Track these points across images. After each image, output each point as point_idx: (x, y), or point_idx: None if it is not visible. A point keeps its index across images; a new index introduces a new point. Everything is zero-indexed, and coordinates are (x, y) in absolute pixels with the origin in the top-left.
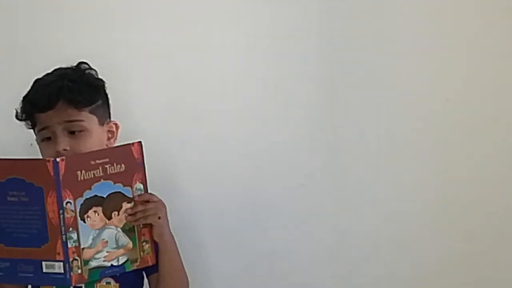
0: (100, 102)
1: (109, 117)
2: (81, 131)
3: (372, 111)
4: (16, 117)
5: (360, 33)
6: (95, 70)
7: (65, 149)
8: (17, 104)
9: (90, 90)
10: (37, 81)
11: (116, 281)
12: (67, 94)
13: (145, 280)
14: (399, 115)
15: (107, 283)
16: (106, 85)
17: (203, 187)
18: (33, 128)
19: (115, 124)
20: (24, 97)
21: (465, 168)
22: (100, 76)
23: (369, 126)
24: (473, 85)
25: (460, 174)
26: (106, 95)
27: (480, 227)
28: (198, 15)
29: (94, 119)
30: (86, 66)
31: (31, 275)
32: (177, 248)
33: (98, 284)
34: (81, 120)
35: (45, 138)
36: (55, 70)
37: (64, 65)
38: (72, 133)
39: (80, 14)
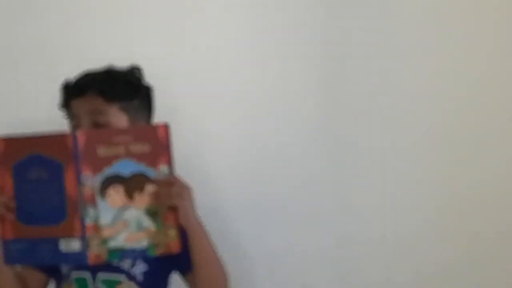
0: (136, 102)
1: (148, 122)
2: (106, 124)
3: (373, 111)
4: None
5: (361, 34)
6: (143, 75)
7: None
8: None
9: (125, 87)
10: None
11: (138, 286)
12: (98, 84)
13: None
14: (399, 115)
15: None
16: (152, 91)
17: (203, 186)
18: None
19: None
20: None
21: (466, 169)
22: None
23: (370, 127)
24: (473, 85)
25: (461, 175)
26: (148, 100)
27: (481, 227)
28: (201, 15)
29: (123, 117)
30: (137, 69)
31: (50, 254)
32: (207, 234)
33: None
34: (107, 113)
35: (73, 128)
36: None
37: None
38: (97, 125)
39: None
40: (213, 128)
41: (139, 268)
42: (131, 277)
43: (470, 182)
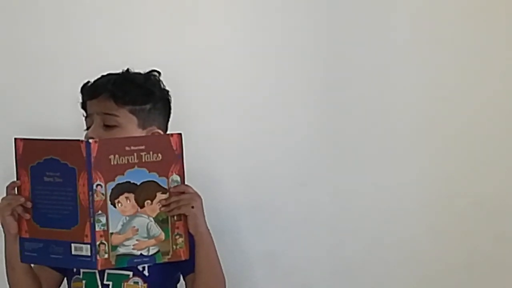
0: (148, 106)
1: (162, 127)
2: (114, 126)
3: (372, 111)
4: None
5: (360, 34)
6: (160, 80)
7: (92, 139)
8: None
9: (138, 91)
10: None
11: (145, 282)
12: (110, 87)
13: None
14: (399, 115)
15: (134, 283)
16: (169, 97)
17: (203, 186)
18: None
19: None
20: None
21: (465, 168)
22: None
23: (369, 126)
24: (473, 85)
25: (460, 174)
26: (164, 104)
27: (480, 227)
28: (200, 15)
29: (133, 119)
30: (155, 73)
31: (61, 256)
32: (213, 243)
33: (125, 283)
34: (116, 116)
35: (87, 128)
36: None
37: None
38: (107, 126)
39: None
40: (213, 129)
41: (146, 264)
42: (138, 273)
43: (470, 181)
